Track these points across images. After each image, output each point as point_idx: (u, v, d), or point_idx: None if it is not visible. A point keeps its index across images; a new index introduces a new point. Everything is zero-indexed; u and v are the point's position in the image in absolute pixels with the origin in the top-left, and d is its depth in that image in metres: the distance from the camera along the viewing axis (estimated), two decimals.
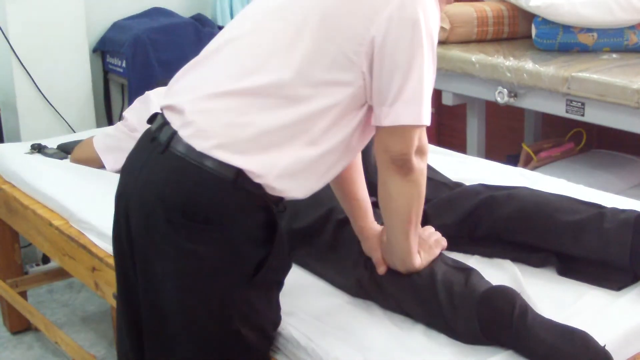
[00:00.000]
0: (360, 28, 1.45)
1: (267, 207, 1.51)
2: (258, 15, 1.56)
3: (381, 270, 1.69)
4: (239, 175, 1.45)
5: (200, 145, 1.46)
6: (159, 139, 1.52)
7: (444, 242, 1.75)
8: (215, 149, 1.45)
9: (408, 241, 1.61)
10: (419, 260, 1.66)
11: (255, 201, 1.49)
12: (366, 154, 1.84)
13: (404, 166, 1.51)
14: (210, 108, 1.48)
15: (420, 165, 1.53)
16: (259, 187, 1.47)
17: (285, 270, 1.63)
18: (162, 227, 1.49)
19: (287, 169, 1.47)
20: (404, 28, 1.44)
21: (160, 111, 1.58)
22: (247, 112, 1.46)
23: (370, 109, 1.52)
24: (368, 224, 1.73)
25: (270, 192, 1.48)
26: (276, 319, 1.63)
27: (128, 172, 1.60)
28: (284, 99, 1.46)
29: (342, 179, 1.70)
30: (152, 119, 1.61)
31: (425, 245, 1.70)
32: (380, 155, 1.54)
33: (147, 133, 1.60)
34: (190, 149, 1.47)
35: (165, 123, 1.53)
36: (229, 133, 1.46)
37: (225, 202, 1.47)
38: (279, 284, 1.62)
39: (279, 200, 1.52)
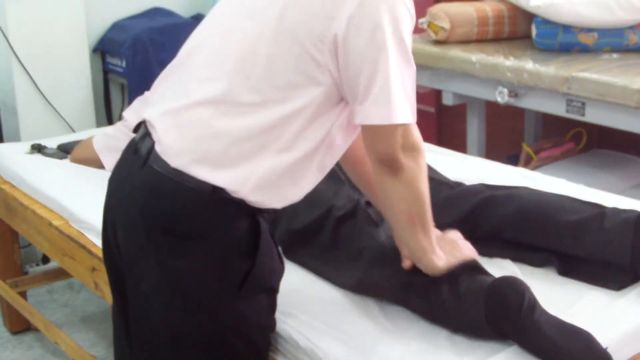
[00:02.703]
0: (322, 26, 1.41)
1: (252, 214, 1.48)
2: (222, 20, 1.55)
3: (406, 264, 1.64)
4: (216, 189, 1.43)
5: (174, 162, 1.44)
6: (140, 152, 1.51)
7: (474, 252, 1.66)
8: (188, 165, 1.43)
9: (416, 240, 1.55)
10: (442, 261, 1.58)
11: (239, 210, 1.46)
12: None
13: (392, 166, 1.47)
14: (176, 123, 1.46)
15: (410, 164, 1.48)
16: (238, 199, 1.45)
17: (277, 275, 1.59)
18: (144, 243, 1.48)
19: (261, 181, 1.44)
20: (364, 25, 1.39)
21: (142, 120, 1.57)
22: (213, 123, 1.44)
23: (345, 108, 1.49)
24: None
25: (249, 204, 1.46)
26: (270, 325, 1.60)
27: (114, 184, 1.60)
28: (250, 105, 1.44)
29: (358, 163, 1.68)
30: (137, 128, 1.59)
31: (456, 250, 1.62)
32: (368, 155, 1.51)
33: (131, 143, 1.59)
34: (165, 164, 1.45)
35: (147, 134, 1.52)
36: (199, 147, 1.44)
37: (205, 216, 1.45)
38: (272, 290, 1.59)
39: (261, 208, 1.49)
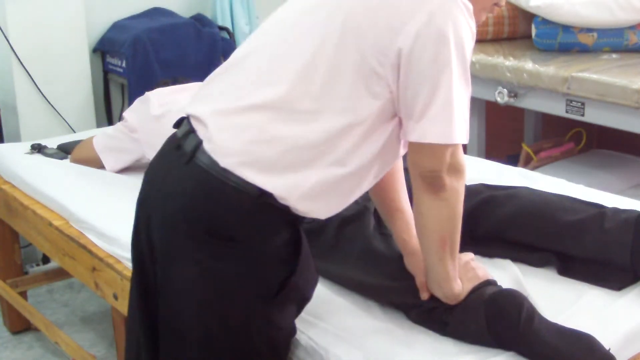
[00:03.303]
0: (386, 39, 1.39)
1: (293, 222, 1.47)
2: (283, 26, 1.51)
3: (424, 296, 1.60)
4: (263, 193, 1.41)
5: (223, 161, 1.42)
6: (183, 148, 1.47)
7: (489, 275, 1.63)
8: (238, 166, 1.41)
9: (443, 264, 1.52)
10: (459, 287, 1.56)
11: (281, 217, 1.45)
12: None
13: (434, 183, 1.45)
14: (230, 124, 1.43)
15: (453, 184, 1.46)
16: (283, 206, 1.43)
17: (312, 286, 1.58)
18: (184, 241, 1.45)
19: (311, 191, 1.42)
20: (431, 42, 1.37)
21: (186, 115, 1.53)
22: (269, 128, 1.41)
23: (397, 124, 1.47)
24: (412, 238, 1.63)
25: (294, 212, 1.44)
26: (293, 331, 1.59)
27: (151, 180, 1.56)
28: (308, 113, 1.41)
29: (382, 189, 1.65)
30: (178, 124, 1.55)
31: (470, 274, 1.60)
32: (410, 171, 1.48)
33: (172, 139, 1.55)
34: (214, 162, 1.42)
35: (191, 130, 1.48)
36: (251, 150, 1.41)
37: (248, 219, 1.43)
38: (305, 300, 1.58)
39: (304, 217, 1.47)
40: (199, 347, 1.51)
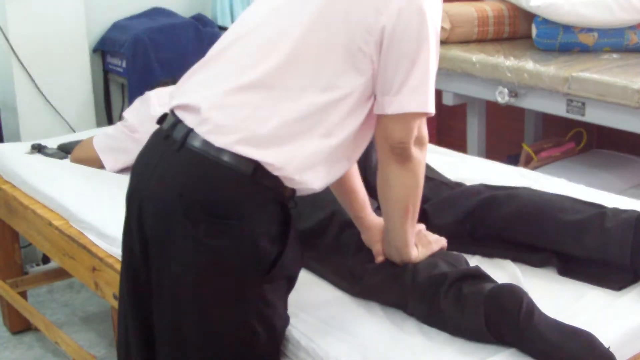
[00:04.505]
0: (371, 19, 1.47)
1: (283, 202, 1.53)
2: (265, 12, 1.58)
3: (379, 259, 1.72)
4: (258, 169, 1.47)
5: (219, 141, 1.47)
6: (173, 137, 1.53)
7: (444, 241, 1.77)
8: (235, 144, 1.47)
9: (404, 230, 1.64)
10: (416, 252, 1.69)
11: (272, 196, 1.51)
12: (366, 153, 1.84)
13: (402, 154, 1.54)
14: (226, 104, 1.50)
15: (418, 155, 1.57)
16: (276, 180, 1.49)
17: (298, 264, 1.64)
18: (180, 222, 1.49)
19: (306, 161, 1.50)
20: (413, 19, 1.47)
21: (168, 112, 1.59)
22: (262, 105, 1.48)
23: (374, 101, 1.54)
24: (367, 215, 1.76)
25: (289, 184, 1.50)
26: (286, 318, 1.63)
27: (140, 171, 1.60)
28: (299, 90, 1.48)
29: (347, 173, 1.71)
30: (162, 119, 1.61)
31: (425, 240, 1.73)
32: (380, 144, 1.57)
33: (158, 132, 1.60)
34: (208, 144, 1.48)
35: (178, 121, 1.54)
36: (248, 127, 1.48)
37: (243, 197, 1.49)
38: (292, 280, 1.63)
39: (293, 194, 1.54)
40: (198, 328, 1.53)
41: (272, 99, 1.48)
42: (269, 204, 1.51)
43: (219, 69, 1.56)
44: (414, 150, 1.55)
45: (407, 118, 1.51)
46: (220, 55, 1.58)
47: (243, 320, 1.53)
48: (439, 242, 1.76)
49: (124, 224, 1.64)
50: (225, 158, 1.47)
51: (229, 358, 1.56)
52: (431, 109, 1.52)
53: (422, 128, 1.56)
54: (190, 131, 1.50)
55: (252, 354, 1.56)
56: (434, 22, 1.51)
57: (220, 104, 1.50)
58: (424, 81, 1.50)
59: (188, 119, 1.52)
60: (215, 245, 1.48)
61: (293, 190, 1.53)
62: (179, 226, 1.49)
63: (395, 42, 1.48)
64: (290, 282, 1.63)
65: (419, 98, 1.50)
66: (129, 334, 1.67)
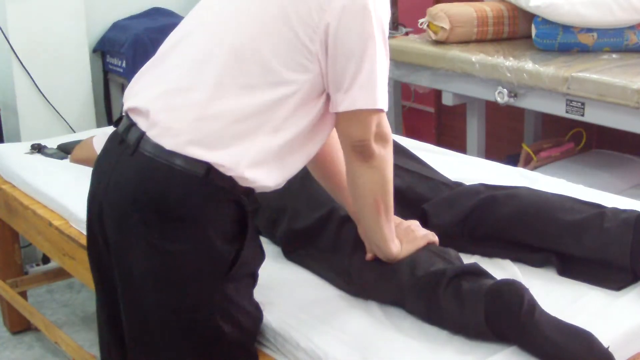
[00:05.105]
0: (315, 16, 1.48)
1: (238, 201, 1.52)
2: (211, 10, 1.59)
3: (369, 256, 1.72)
4: (210, 171, 1.47)
5: (169, 143, 1.48)
6: (127, 141, 1.54)
7: (433, 237, 1.75)
8: (185, 145, 1.47)
9: (380, 227, 1.63)
10: (397, 248, 1.68)
11: (226, 195, 1.50)
12: None
13: (363, 152, 1.54)
14: (173, 105, 1.50)
15: (381, 152, 1.56)
16: (230, 180, 1.49)
17: (259, 261, 1.64)
18: (136, 227, 1.50)
19: (255, 158, 1.50)
20: (356, 16, 1.48)
21: (124, 114, 1.60)
22: (209, 106, 1.48)
23: (329, 98, 1.55)
24: None
25: (242, 183, 1.51)
26: (256, 314, 1.63)
27: (98, 175, 1.61)
28: (244, 88, 1.49)
29: (328, 170, 1.75)
30: (117, 122, 1.62)
31: (411, 236, 1.72)
32: (341, 142, 1.58)
33: (114, 135, 1.61)
34: (159, 148, 1.49)
35: (132, 124, 1.55)
36: (198, 127, 1.48)
37: (197, 199, 1.49)
38: (253, 276, 1.64)
39: (250, 192, 1.53)
40: (164, 330, 1.54)
41: (219, 98, 1.49)
42: (224, 204, 1.51)
43: (165, 69, 1.56)
44: (376, 147, 1.54)
45: (362, 115, 1.51)
46: (166, 55, 1.59)
47: (208, 320, 1.54)
48: (426, 237, 1.74)
49: (86, 224, 1.66)
50: (177, 162, 1.47)
51: (201, 356, 1.57)
52: (381, 105, 1.52)
53: (382, 125, 1.55)
54: (142, 134, 1.51)
55: (222, 352, 1.57)
56: (380, 19, 1.51)
57: (168, 105, 1.51)
58: (372, 78, 1.50)
59: (140, 122, 1.53)
60: (172, 249, 1.49)
61: (249, 189, 1.53)
62: (135, 231, 1.50)
63: (340, 39, 1.48)
64: (252, 278, 1.63)
65: (368, 95, 1.50)
66: (107, 335, 1.70)
